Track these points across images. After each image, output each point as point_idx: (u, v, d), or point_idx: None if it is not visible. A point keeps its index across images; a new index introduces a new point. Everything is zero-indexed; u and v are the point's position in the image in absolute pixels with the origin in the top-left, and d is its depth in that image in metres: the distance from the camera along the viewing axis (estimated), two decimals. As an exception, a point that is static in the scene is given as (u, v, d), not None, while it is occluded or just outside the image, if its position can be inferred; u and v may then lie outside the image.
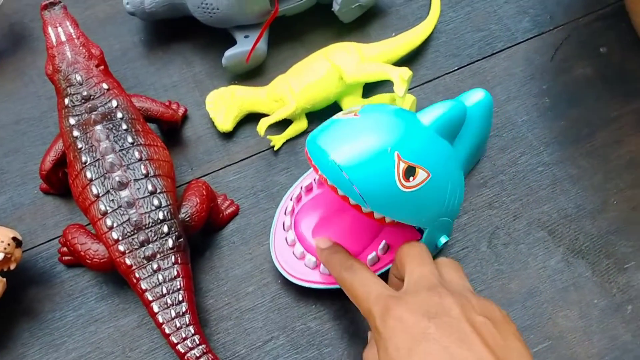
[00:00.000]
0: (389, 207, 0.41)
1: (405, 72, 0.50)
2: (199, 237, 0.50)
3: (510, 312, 0.48)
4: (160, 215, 0.45)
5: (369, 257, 0.47)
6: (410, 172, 0.40)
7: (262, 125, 0.52)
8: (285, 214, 0.49)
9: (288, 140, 0.54)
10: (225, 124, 0.54)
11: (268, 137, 0.53)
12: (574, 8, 0.60)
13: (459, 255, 0.50)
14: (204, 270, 0.49)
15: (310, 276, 0.47)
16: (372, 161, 0.39)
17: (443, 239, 0.45)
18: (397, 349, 0.35)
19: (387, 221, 0.43)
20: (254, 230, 0.51)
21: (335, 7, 0.56)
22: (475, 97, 0.48)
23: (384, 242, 0.47)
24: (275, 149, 0.54)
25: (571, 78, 0.57)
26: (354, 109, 0.43)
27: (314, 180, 0.50)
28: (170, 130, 0.54)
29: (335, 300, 0.48)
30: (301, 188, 0.49)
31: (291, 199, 0.49)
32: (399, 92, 0.50)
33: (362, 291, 0.39)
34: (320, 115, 0.54)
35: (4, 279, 0.44)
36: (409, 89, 0.56)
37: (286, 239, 0.48)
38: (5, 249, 0.44)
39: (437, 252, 0.48)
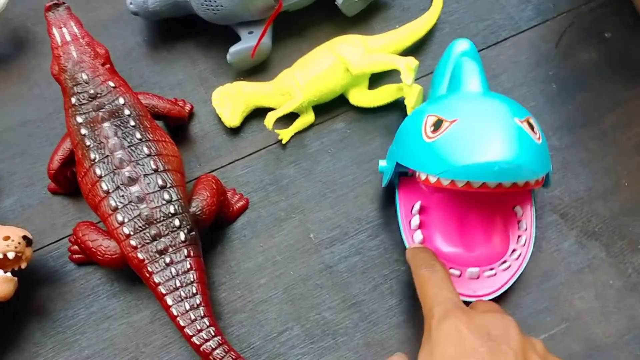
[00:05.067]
0: (543, 164, 0.41)
1: (412, 61, 0.49)
2: (210, 232, 0.50)
3: (527, 296, 0.48)
4: (172, 209, 0.44)
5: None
6: (530, 125, 0.41)
7: (270, 119, 0.51)
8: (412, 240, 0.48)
9: (296, 134, 0.54)
10: (233, 120, 0.53)
11: (275, 131, 0.53)
12: (577, -5, 0.60)
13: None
14: (216, 264, 0.49)
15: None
16: (517, 138, 0.39)
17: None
18: (442, 356, 0.35)
19: (533, 184, 0.42)
20: (264, 223, 0.51)
21: (339, 1, 0.56)
22: (461, 47, 0.50)
23: (524, 237, 0.47)
24: (284, 142, 0.53)
25: (577, 63, 0.57)
26: (438, 118, 0.42)
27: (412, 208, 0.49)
28: (178, 128, 0.54)
29: (348, 290, 0.48)
30: (413, 213, 0.48)
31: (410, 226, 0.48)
32: (407, 80, 0.49)
33: (433, 291, 0.39)
34: (327, 107, 0.54)
35: (15, 278, 0.44)
36: (415, 80, 0.56)
37: None
38: (16, 247, 0.44)
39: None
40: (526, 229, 0.47)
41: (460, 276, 0.46)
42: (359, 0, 0.56)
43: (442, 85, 0.51)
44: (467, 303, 0.41)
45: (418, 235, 0.47)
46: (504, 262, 0.46)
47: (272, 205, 0.51)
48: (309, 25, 0.58)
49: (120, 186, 0.44)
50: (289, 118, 0.54)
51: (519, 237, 0.47)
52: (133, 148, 0.45)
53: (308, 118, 0.54)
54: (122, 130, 0.46)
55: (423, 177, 0.42)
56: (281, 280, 0.48)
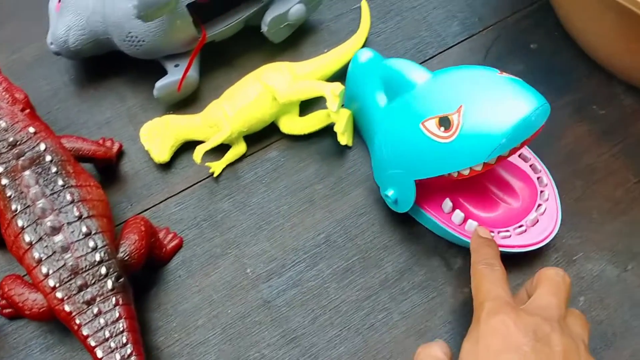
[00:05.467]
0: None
1: (337, 87, 0.49)
2: (144, 274, 0.49)
3: (467, 315, 0.47)
4: (97, 257, 0.43)
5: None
6: (507, 73, 0.44)
7: (198, 153, 0.51)
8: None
9: (228, 166, 0.53)
10: (162, 155, 0.53)
11: (206, 164, 0.52)
12: (501, 8, 0.60)
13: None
14: (151, 308, 0.48)
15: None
16: (519, 86, 0.42)
17: None
18: (487, 347, 0.37)
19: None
20: (199, 261, 0.50)
21: (264, 29, 0.55)
22: (365, 56, 0.52)
23: (537, 165, 0.50)
24: (215, 175, 0.53)
25: (505, 76, 0.57)
26: (440, 117, 0.42)
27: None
28: (107, 168, 0.53)
29: (288, 325, 0.47)
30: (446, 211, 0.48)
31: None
32: (332, 107, 0.49)
33: (487, 286, 0.40)
34: (259, 137, 0.54)
35: (-62, 341, 0.42)
36: (343, 105, 0.56)
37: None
38: (-64, 309, 0.42)
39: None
40: (530, 159, 0.50)
41: (525, 230, 0.47)
42: (284, 27, 0.56)
43: (376, 97, 0.50)
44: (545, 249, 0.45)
45: (472, 224, 0.47)
46: (542, 192, 0.48)
47: (207, 242, 0.50)
48: (237, 54, 0.58)
49: (44, 236, 0.43)
50: (222, 150, 0.53)
51: (530, 167, 0.50)
52: (55, 196, 0.44)
53: (239, 149, 0.53)
54: (44, 177, 0.45)
55: (467, 172, 0.42)
56: (219, 320, 0.48)
